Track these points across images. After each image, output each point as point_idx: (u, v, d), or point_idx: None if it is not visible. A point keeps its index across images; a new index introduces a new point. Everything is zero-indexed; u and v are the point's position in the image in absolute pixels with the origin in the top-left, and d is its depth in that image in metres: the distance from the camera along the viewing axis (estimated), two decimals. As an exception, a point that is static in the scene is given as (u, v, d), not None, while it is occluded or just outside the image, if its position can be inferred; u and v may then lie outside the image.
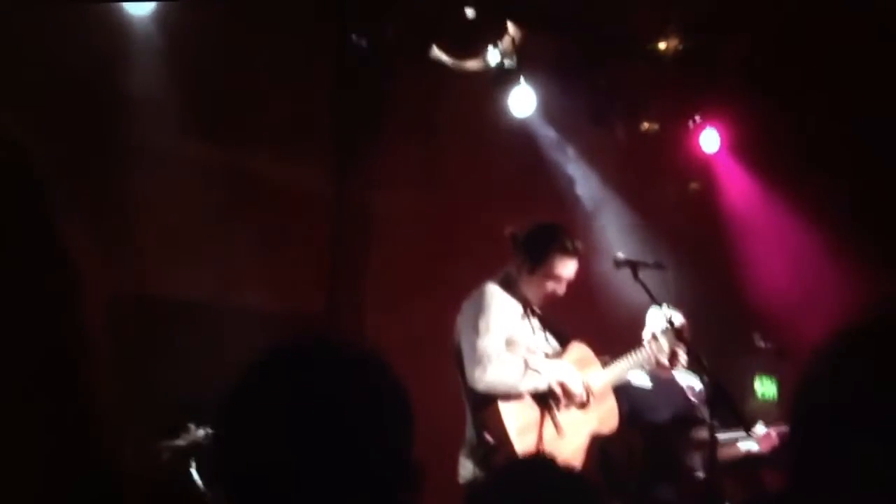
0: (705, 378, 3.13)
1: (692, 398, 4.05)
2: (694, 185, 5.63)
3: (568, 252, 3.51)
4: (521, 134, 5.25)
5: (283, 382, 1.08)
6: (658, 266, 3.56)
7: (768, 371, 5.07)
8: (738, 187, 5.43)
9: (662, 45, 5.12)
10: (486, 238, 4.08)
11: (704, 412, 3.98)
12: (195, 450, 3.58)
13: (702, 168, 5.51)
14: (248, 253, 5.11)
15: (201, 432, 3.56)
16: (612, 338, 4.04)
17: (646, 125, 5.39)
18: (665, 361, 3.83)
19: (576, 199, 5.37)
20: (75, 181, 4.68)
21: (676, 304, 3.94)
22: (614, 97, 5.15)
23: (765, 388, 5.11)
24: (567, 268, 3.52)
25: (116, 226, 4.94)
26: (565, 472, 1.68)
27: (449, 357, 3.47)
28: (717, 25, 5.09)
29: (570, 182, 5.39)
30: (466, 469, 3.31)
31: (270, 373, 1.10)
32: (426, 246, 5.21)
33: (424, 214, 5.35)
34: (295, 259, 5.09)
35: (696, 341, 3.58)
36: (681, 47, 5.09)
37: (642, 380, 4.01)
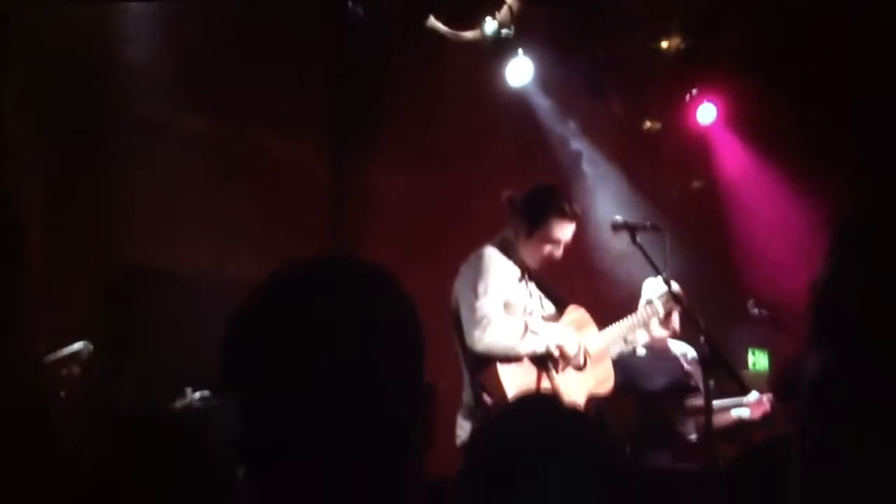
0: (702, 339, 3.13)
1: (686, 366, 4.07)
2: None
3: (566, 216, 3.49)
4: (518, 106, 5.23)
5: (292, 301, 1.04)
6: (655, 228, 3.56)
7: (761, 344, 5.08)
8: (734, 159, 5.42)
9: (664, 44, 5.12)
10: (485, 212, 4.07)
11: (698, 380, 4.01)
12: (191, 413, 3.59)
13: (698, 140, 5.50)
14: (247, 227, 5.10)
15: (197, 395, 3.57)
16: (610, 309, 4.05)
17: (648, 124, 5.40)
18: (659, 327, 3.85)
19: (573, 171, 5.36)
20: (74, 153, 4.69)
21: (673, 273, 3.94)
22: (612, 70, 5.13)
23: (757, 360, 5.12)
24: (565, 231, 3.51)
25: (114, 198, 4.94)
26: (571, 410, 1.67)
27: (448, 331, 3.46)
28: (717, 17, 5.09)
29: (568, 154, 5.38)
30: (464, 430, 3.31)
31: (280, 292, 1.06)
32: (424, 221, 5.20)
33: (422, 189, 5.34)
34: (293, 233, 5.08)
35: (692, 308, 3.57)
36: (682, 46, 5.09)
37: (637, 349, 4.04)
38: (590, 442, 1.55)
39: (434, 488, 2.49)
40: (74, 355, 3.45)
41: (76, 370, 3.42)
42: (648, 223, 3.59)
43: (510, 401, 3.12)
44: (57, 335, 3.87)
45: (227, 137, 5.29)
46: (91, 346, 3.57)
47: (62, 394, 3.34)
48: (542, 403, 1.72)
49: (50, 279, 4.56)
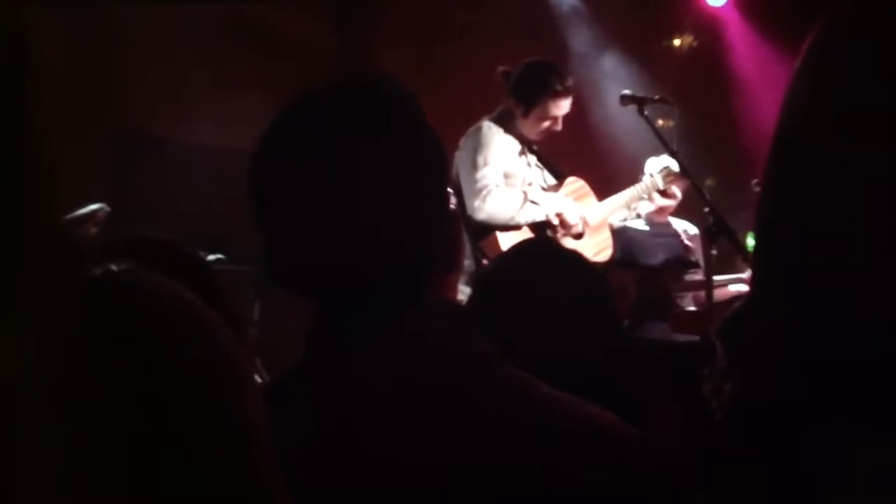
0: (706, 209, 3.11)
1: (686, 241, 4.08)
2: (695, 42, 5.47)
3: (559, 94, 3.42)
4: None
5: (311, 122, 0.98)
6: (664, 101, 3.49)
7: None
8: (744, 40, 5.29)
9: None
10: (488, 86, 3.99)
11: (698, 255, 4.02)
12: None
13: (708, 21, 5.37)
14: (251, 99, 5.04)
15: (211, 258, 3.59)
16: (611, 186, 4.02)
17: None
18: (661, 198, 3.85)
19: (580, 48, 5.24)
20: (83, 28, 4.58)
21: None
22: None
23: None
24: (560, 107, 3.45)
25: (127, 72, 4.88)
26: (574, 252, 1.66)
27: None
28: None
29: (576, 32, 5.26)
30: (465, 294, 3.35)
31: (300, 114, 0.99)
32: (428, 94, 5.08)
33: (427, 63, 5.24)
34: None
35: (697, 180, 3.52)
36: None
37: (637, 223, 4.05)
38: (590, 280, 1.53)
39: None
40: (91, 215, 3.46)
41: (93, 230, 3.44)
42: (657, 96, 3.52)
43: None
44: (75, 199, 3.87)
45: (234, 10, 5.18)
46: (108, 209, 3.57)
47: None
48: (546, 243, 1.71)
49: (68, 147, 4.55)
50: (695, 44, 5.51)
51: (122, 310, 0.58)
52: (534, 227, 3.41)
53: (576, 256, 1.57)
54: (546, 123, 3.45)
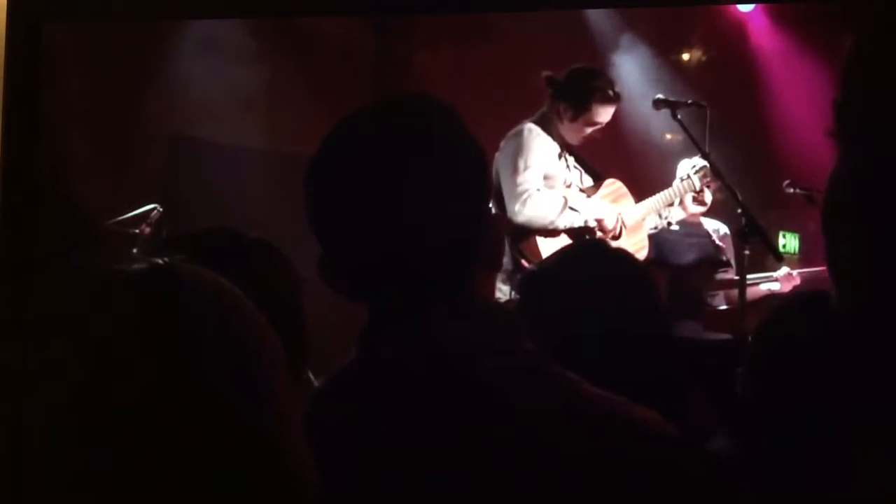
0: (739, 210, 3.08)
1: (718, 241, 4.04)
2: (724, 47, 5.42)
3: (609, 99, 3.44)
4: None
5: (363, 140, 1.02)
6: (697, 105, 3.46)
7: (791, 227, 5.02)
8: (773, 43, 5.22)
9: None
10: (526, 88, 3.98)
11: (729, 255, 3.99)
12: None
13: (737, 26, 5.31)
14: (296, 102, 5.08)
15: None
16: (645, 187, 4.00)
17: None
18: (693, 203, 3.82)
19: (614, 50, 5.21)
20: (133, 35, 4.60)
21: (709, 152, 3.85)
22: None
23: (788, 242, 5.06)
24: (608, 114, 3.48)
25: (178, 76, 4.94)
26: (624, 253, 1.64)
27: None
28: None
29: (608, 33, 5.23)
30: (504, 293, 3.36)
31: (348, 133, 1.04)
32: (466, 97, 5.06)
33: (464, 65, 5.24)
34: (335, 108, 5.02)
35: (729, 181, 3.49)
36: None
37: (671, 224, 4.01)
38: (640, 278, 1.52)
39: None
40: (144, 215, 3.55)
41: (147, 230, 3.52)
42: (689, 100, 3.50)
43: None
44: (130, 199, 3.94)
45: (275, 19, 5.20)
46: (161, 209, 3.65)
47: (134, 251, 3.44)
48: (597, 245, 1.70)
49: (125, 150, 4.66)
50: (724, 49, 5.44)
51: (169, 292, 0.71)
52: (572, 231, 3.42)
53: (625, 256, 1.56)
54: (589, 130, 3.47)
